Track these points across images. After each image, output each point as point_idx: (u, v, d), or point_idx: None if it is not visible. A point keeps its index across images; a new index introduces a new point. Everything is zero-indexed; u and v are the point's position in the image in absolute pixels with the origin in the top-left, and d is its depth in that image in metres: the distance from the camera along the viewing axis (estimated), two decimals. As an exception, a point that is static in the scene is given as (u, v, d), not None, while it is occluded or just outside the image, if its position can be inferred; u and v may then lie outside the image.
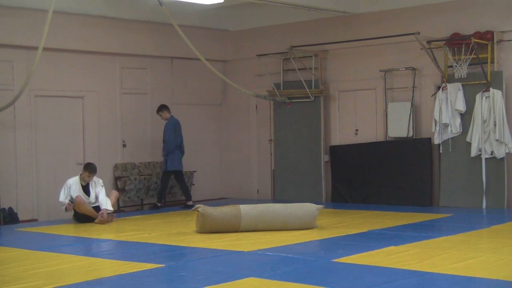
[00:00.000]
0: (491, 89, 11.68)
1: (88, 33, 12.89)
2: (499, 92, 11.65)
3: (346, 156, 13.54)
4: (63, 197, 10.90)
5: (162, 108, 13.26)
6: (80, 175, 11.07)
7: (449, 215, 11.12)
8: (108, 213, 10.88)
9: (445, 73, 12.21)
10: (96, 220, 10.75)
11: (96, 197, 10.98)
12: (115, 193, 11.50)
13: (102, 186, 11.08)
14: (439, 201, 12.38)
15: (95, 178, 11.08)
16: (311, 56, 13.82)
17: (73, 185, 10.91)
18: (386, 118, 13.06)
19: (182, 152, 13.22)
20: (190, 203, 13.03)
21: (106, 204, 10.91)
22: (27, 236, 9.88)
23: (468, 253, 7.49)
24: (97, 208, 10.91)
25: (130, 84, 13.77)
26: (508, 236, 8.75)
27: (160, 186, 13.29)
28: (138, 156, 13.75)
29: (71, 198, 10.85)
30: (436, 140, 12.27)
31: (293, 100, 14.06)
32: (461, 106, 12.00)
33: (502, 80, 11.76)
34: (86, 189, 10.98)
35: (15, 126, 12.10)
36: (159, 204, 13.18)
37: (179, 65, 14.55)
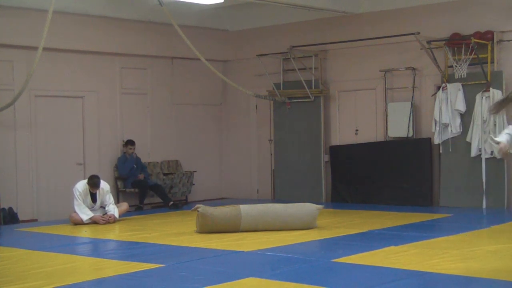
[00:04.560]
0: (491, 89, 11.68)
1: (88, 33, 12.89)
2: (499, 92, 11.65)
3: (346, 156, 13.54)
4: (81, 208, 10.73)
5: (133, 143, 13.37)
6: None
7: (449, 215, 11.12)
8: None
9: (445, 73, 12.22)
10: (101, 220, 10.75)
11: (102, 204, 10.96)
12: (126, 206, 11.58)
13: (109, 193, 11.04)
14: (439, 201, 12.39)
15: (102, 185, 10.97)
16: (311, 56, 13.81)
17: (82, 192, 10.82)
18: (386, 118, 13.06)
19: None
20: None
21: (114, 211, 10.93)
22: (27, 236, 9.88)
23: (468, 253, 7.49)
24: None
25: (130, 84, 13.77)
26: (508, 236, 8.75)
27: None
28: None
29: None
30: (436, 140, 12.27)
31: (293, 100, 14.06)
32: (461, 106, 12.01)
33: (502, 80, 11.77)
34: (93, 195, 10.94)
35: (15, 126, 12.11)
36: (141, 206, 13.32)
37: (179, 65, 14.56)
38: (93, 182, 10.82)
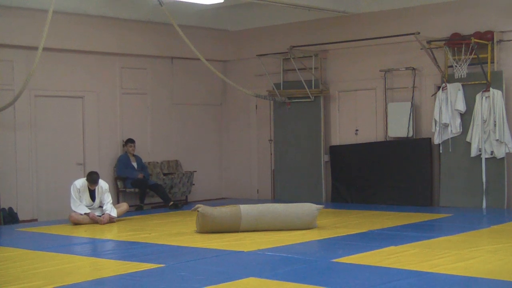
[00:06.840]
0: (491, 89, 11.68)
1: (88, 33, 12.90)
2: (499, 92, 11.65)
3: (346, 156, 13.54)
4: (77, 205, 10.76)
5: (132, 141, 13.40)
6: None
7: (449, 215, 11.12)
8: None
9: (445, 73, 12.21)
10: (96, 218, 10.75)
11: (101, 203, 10.96)
12: (126, 206, 11.56)
13: (108, 192, 11.03)
14: (439, 201, 12.39)
15: (101, 183, 11.02)
16: (311, 56, 13.82)
17: (81, 189, 10.85)
18: (386, 118, 13.06)
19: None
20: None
21: (111, 210, 10.90)
22: (27, 236, 9.88)
23: (468, 253, 7.49)
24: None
25: (130, 84, 13.77)
26: (508, 236, 8.75)
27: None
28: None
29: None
30: (436, 140, 12.27)
31: (293, 100, 14.06)
32: (461, 106, 12.00)
33: (502, 80, 11.77)
34: (92, 193, 10.95)
35: (15, 126, 12.11)
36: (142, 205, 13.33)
37: (179, 65, 14.56)
38: (92, 178, 10.86)
